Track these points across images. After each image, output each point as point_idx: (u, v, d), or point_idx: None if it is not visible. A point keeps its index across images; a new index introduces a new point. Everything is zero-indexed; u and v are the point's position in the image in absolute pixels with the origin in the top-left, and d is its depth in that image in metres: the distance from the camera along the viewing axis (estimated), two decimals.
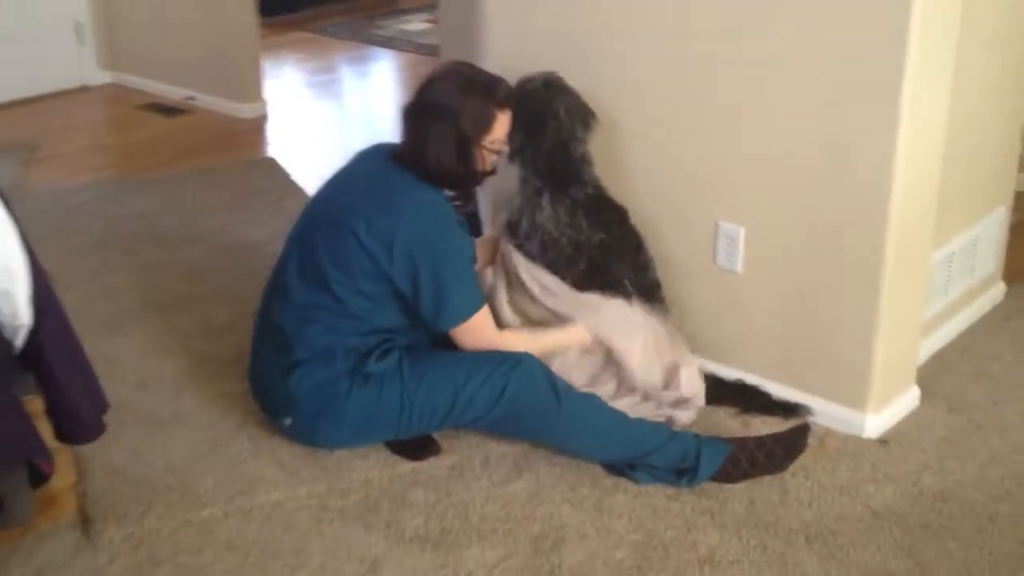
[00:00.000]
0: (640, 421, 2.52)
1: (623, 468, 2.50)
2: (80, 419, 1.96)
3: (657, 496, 2.45)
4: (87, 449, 2.50)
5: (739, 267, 2.76)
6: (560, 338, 2.66)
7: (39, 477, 2.34)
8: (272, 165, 4.69)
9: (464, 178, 2.53)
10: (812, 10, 2.45)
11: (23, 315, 1.76)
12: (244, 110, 5.34)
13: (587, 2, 2.84)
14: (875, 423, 2.66)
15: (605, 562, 2.25)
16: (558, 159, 2.71)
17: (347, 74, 6.40)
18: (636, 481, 2.48)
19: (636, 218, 2.80)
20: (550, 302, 2.69)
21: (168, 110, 5.41)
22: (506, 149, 2.59)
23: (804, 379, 2.74)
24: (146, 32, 5.63)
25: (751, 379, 2.82)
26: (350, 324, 2.47)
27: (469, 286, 2.50)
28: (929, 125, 2.50)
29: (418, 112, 2.48)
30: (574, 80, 2.75)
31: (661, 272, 2.82)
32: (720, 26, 2.61)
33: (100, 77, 5.80)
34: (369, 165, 2.59)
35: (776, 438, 2.51)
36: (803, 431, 2.54)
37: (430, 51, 6.15)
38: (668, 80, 2.75)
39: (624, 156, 2.88)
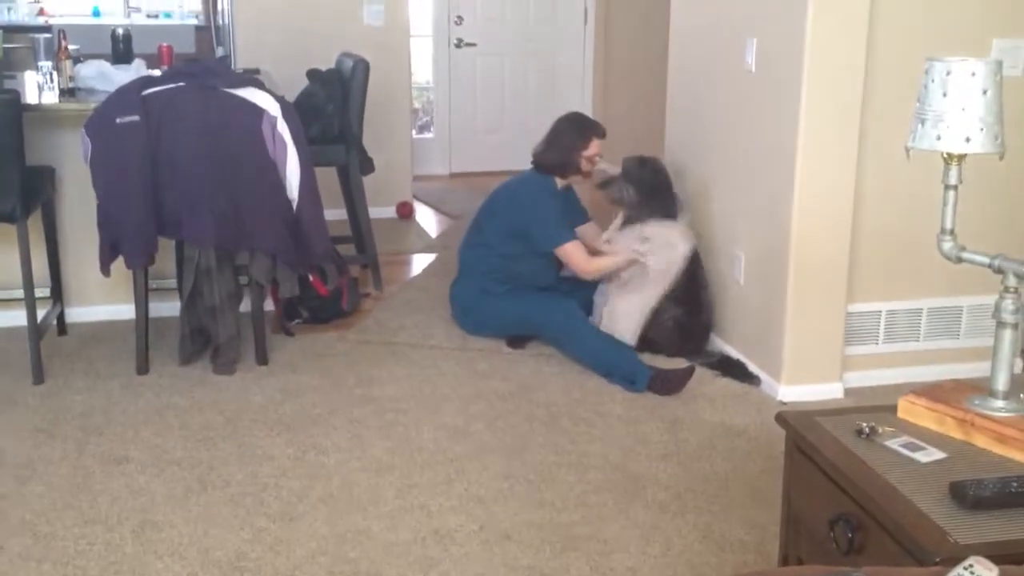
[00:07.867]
0: (620, 349, 4.11)
1: (604, 374, 4.11)
2: (313, 250, 4.16)
3: (616, 389, 4.02)
4: (376, 311, 4.81)
5: (741, 279, 4.19)
6: (609, 262, 4.34)
7: (338, 308, 4.67)
8: None
9: (562, 168, 4.38)
10: (770, 129, 3.92)
11: (293, 194, 4.05)
12: None
13: (701, 134, 4.50)
14: (788, 392, 3.91)
15: (547, 400, 3.91)
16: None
17: None
18: (609, 381, 4.07)
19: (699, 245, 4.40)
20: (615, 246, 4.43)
21: None
22: (598, 162, 4.40)
23: (756, 354, 4.08)
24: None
25: (735, 352, 4.22)
26: (487, 259, 4.44)
27: (556, 227, 4.31)
28: (829, 189, 3.78)
29: (550, 132, 4.43)
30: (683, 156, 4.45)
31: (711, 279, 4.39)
32: (725, 140, 4.15)
33: None
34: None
35: (675, 372, 3.97)
36: (691, 371, 3.97)
37: None
38: (715, 166, 4.32)
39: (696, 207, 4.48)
